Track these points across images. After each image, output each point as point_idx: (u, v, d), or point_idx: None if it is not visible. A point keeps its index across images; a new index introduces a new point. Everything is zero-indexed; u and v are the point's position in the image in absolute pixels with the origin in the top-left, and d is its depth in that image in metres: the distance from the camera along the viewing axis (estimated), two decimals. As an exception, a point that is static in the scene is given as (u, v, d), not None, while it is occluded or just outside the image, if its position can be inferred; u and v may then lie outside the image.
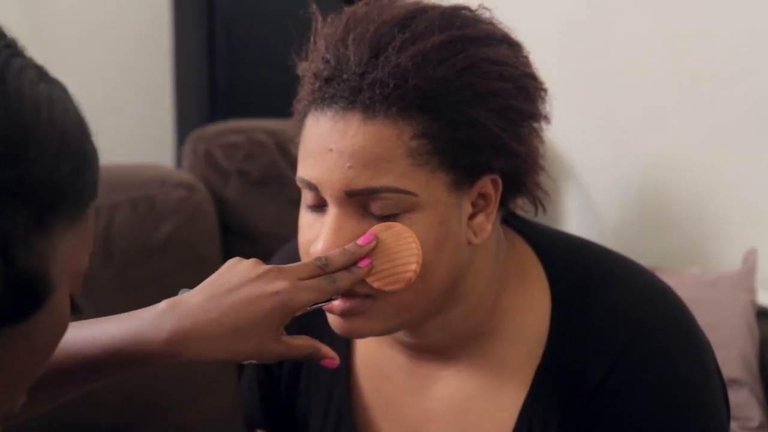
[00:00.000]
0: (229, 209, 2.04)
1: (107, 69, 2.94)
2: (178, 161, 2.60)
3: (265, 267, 0.92)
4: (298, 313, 0.92)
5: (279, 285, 0.90)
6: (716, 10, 2.33)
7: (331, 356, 0.95)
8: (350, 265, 0.94)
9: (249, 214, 2.05)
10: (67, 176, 0.64)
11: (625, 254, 1.11)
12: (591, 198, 2.57)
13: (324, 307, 0.96)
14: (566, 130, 2.41)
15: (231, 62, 3.00)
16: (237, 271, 0.92)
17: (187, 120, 2.95)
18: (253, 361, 0.93)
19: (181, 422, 1.88)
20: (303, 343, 0.94)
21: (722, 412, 1.04)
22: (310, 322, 1.01)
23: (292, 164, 1.00)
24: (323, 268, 0.93)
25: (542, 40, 2.42)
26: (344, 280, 0.93)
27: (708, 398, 1.02)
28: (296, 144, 1.00)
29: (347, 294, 0.95)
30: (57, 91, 0.66)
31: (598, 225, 2.55)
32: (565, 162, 2.58)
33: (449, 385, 1.08)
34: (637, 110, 2.46)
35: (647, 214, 2.48)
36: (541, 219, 1.11)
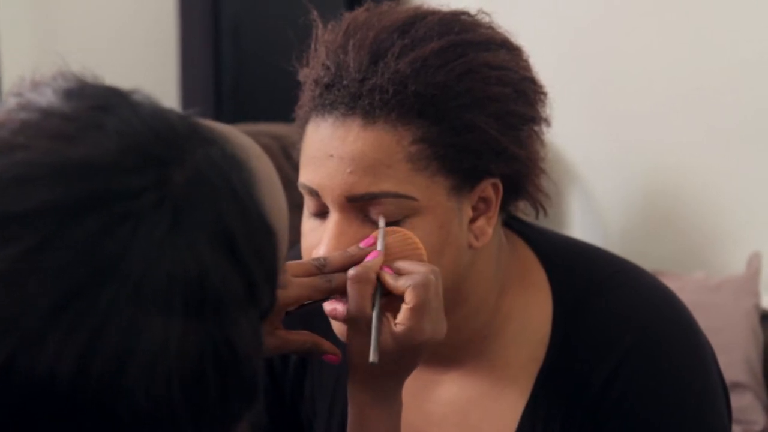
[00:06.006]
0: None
1: (113, 74, 2.94)
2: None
3: None
4: (291, 309, 0.93)
5: None
6: (723, 14, 2.33)
7: (332, 351, 0.96)
8: (350, 267, 0.94)
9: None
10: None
11: (629, 258, 1.11)
12: (595, 202, 2.57)
13: (327, 314, 0.96)
14: (570, 134, 2.42)
15: (236, 67, 3.01)
16: None
17: (192, 125, 2.95)
18: None
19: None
20: (300, 337, 0.94)
21: (724, 416, 1.04)
22: (314, 320, 1.01)
23: (297, 169, 1.00)
24: (320, 268, 0.93)
25: (549, 45, 2.43)
26: (340, 280, 0.93)
27: (710, 403, 1.02)
28: (298, 150, 1.01)
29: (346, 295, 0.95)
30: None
31: (601, 228, 2.55)
32: (569, 166, 2.59)
33: (451, 389, 1.08)
34: (641, 114, 2.47)
35: (651, 217, 2.48)
36: (545, 222, 1.11)
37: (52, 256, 0.57)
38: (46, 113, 0.61)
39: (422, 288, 0.90)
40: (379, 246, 0.94)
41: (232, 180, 0.63)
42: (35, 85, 0.64)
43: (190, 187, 0.61)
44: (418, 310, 0.90)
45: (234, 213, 0.62)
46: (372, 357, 0.89)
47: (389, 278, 0.92)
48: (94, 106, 0.62)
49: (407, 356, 0.92)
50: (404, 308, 0.90)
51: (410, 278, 0.91)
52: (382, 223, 0.94)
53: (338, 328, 0.98)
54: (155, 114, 0.63)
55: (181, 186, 0.61)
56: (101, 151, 0.60)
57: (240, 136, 0.69)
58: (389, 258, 0.94)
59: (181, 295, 0.59)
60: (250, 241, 0.63)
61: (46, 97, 0.62)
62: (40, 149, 0.59)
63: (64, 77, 0.64)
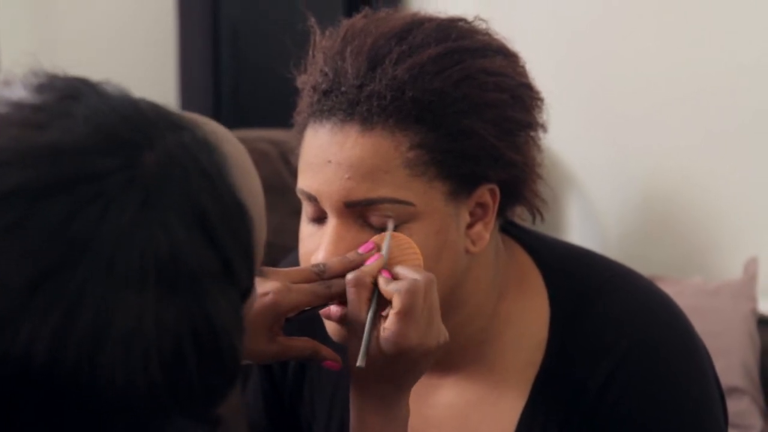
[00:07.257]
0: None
1: (112, 77, 2.94)
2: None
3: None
4: (291, 315, 0.93)
5: (269, 285, 0.91)
6: (721, 18, 2.33)
7: (333, 358, 0.96)
8: (348, 272, 0.94)
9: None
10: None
11: (627, 263, 1.12)
12: (593, 206, 2.57)
13: (321, 314, 0.97)
14: (568, 139, 2.42)
15: (235, 72, 3.01)
16: None
17: (191, 129, 2.95)
18: (249, 362, 0.94)
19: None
20: (301, 344, 0.95)
21: (721, 421, 1.04)
22: (314, 327, 1.01)
23: (295, 174, 1.01)
24: (320, 274, 0.94)
25: (546, 50, 2.44)
26: (340, 285, 0.93)
27: (707, 408, 1.02)
28: (296, 155, 1.01)
29: (345, 301, 0.95)
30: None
31: (600, 234, 2.55)
32: (568, 171, 2.59)
33: (449, 393, 1.08)
34: (639, 119, 2.47)
35: (649, 223, 2.48)
36: (543, 228, 1.12)
37: (22, 237, 0.57)
38: (17, 106, 0.62)
39: (407, 294, 0.90)
40: (383, 250, 0.94)
41: (203, 162, 0.64)
42: (7, 83, 0.65)
43: (160, 169, 0.61)
44: (402, 316, 0.90)
45: (206, 193, 0.63)
46: (359, 361, 0.89)
47: (382, 282, 0.93)
48: (64, 96, 0.63)
49: (398, 362, 0.91)
50: (390, 313, 0.91)
51: (398, 283, 0.91)
52: (390, 226, 0.95)
53: (332, 328, 0.98)
54: (125, 101, 0.64)
55: (152, 167, 0.61)
56: (70, 136, 0.60)
57: (211, 123, 0.69)
58: (388, 262, 0.95)
59: (154, 272, 0.59)
60: (223, 220, 0.63)
61: (17, 92, 0.63)
62: (9, 136, 0.60)
63: (35, 74, 0.65)
